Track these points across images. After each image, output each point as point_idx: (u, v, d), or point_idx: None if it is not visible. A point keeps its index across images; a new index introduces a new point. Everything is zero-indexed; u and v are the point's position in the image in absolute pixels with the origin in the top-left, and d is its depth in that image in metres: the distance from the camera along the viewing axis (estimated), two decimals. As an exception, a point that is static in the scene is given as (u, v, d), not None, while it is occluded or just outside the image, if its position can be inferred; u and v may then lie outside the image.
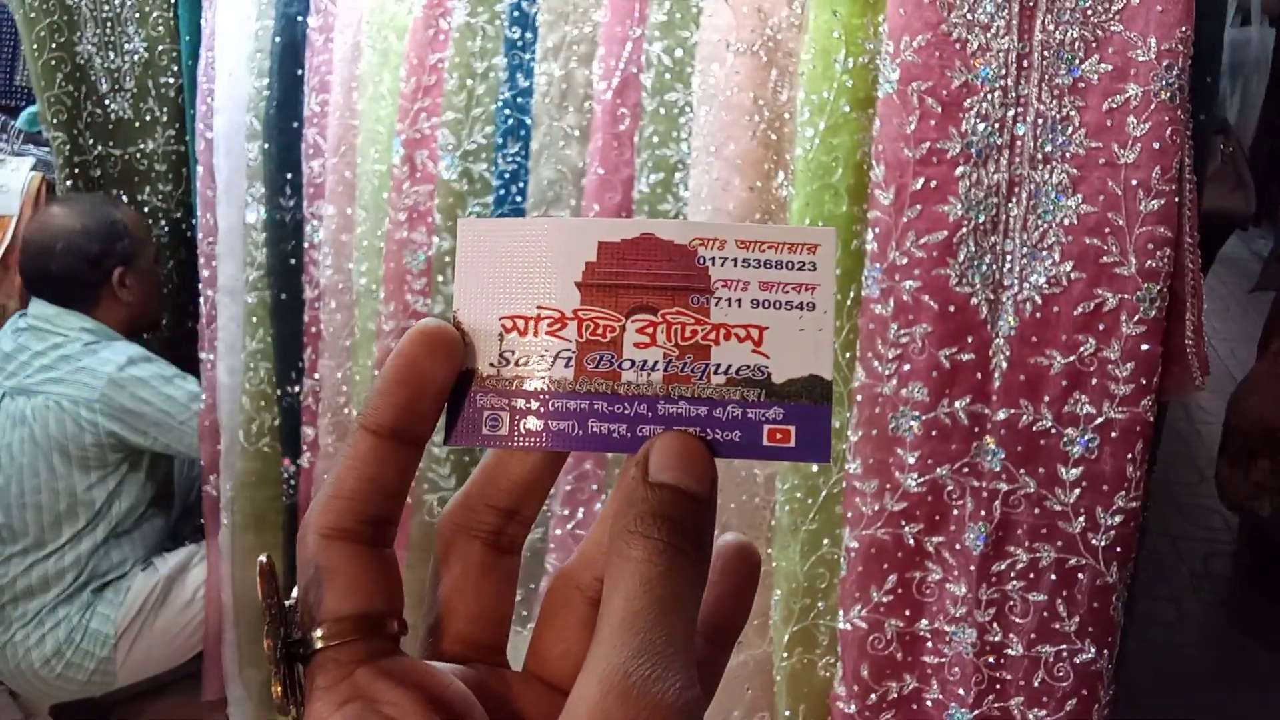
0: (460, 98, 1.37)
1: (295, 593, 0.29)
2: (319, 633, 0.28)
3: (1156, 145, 0.95)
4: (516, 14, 1.30)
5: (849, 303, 1.08)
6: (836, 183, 1.06)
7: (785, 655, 1.15)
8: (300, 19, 1.47)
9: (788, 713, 1.16)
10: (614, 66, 1.19)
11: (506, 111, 1.32)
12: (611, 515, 0.29)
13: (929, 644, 1.12)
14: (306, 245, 1.60)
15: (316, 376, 1.48)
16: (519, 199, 1.33)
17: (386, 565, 0.30)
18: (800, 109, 1.06)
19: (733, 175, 1.09)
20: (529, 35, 1.30)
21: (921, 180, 1.01)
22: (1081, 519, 1.04)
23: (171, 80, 1.83)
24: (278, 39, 1.53)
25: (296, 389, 1.56)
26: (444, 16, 1.40)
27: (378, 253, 1.46)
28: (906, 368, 1.05)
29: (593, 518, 1.27)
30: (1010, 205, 1.02)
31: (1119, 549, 1.04)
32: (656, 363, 0.32)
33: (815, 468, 1.12)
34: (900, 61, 1.00)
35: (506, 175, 1.34)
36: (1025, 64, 0.99)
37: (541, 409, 0.32)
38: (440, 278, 1.41)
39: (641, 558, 0.27)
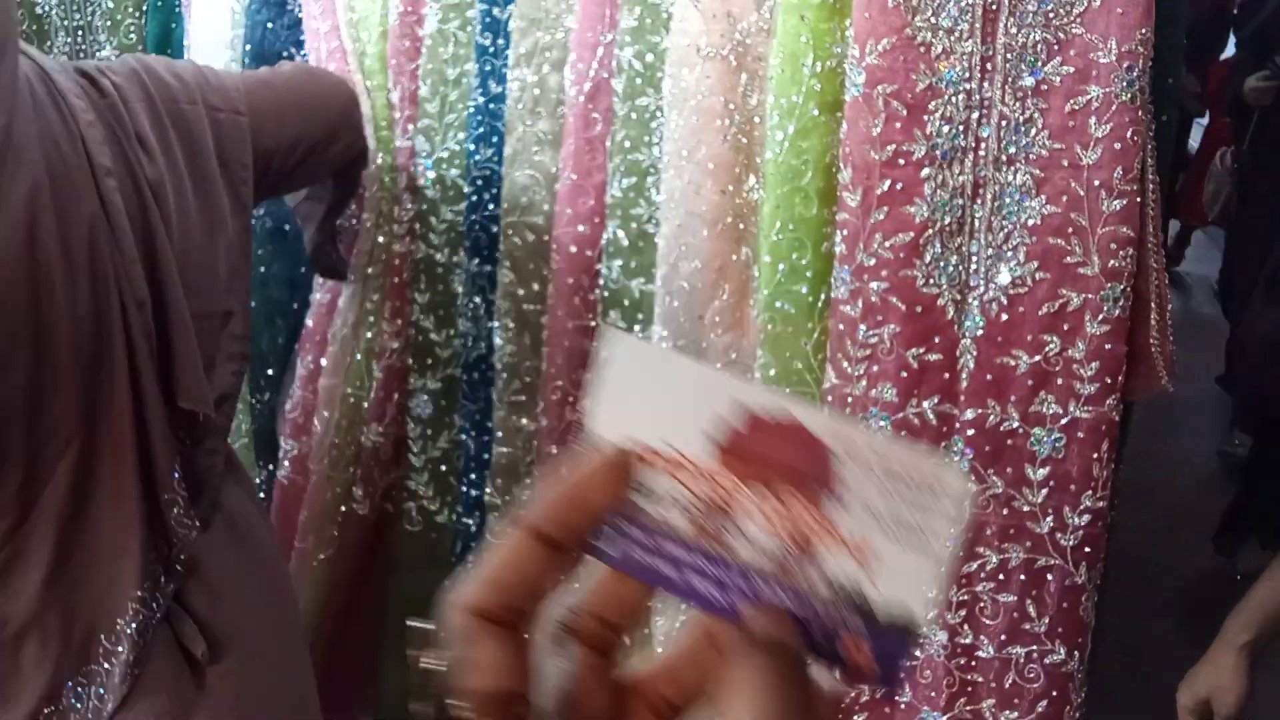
0: (434, 104, 1.38)
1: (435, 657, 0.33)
2: (465, 704, 0.32)
3: (1118, 146, 0.96)
4: (488, 20, 1.30)
5: (820, 305, 1.09)
6: (806, 186, 1.06)
7: (759, 657, 1.15)
8: (269, 25, 1.47)
9: (762, 714, 1.16)
10: (585, 72, 1.20)
11: (479, 118, 1.33)
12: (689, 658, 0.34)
13: (902, 644, 1.13)
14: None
15: (314, 390, 1.46)
16: (491, 205, 1.34)
17: (521, 649, 0.32)
18: (770, 113, 1.07)
19: (704, 179, 1.10)
20: (501, 41, 1.30)
21: (888, 182, 1.02)
22: (1050, 519, 1.05)
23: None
24: (248, 46, 1.52)
25: (266, 396, 1.55)
26: (418, 24, 1.40)
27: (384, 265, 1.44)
28: (875, 369, 1.06)
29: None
30: (975, 206, 1.03)
31: (1088, 549, 1.04)
32: (768, 546, 0.33)
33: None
34: (866, 65, 1.01)
35: (479, 182, 1.34)
36: (989, 67, 1.00)
37: (653, 547, 0.34)
38: (416, 287, 1.41)
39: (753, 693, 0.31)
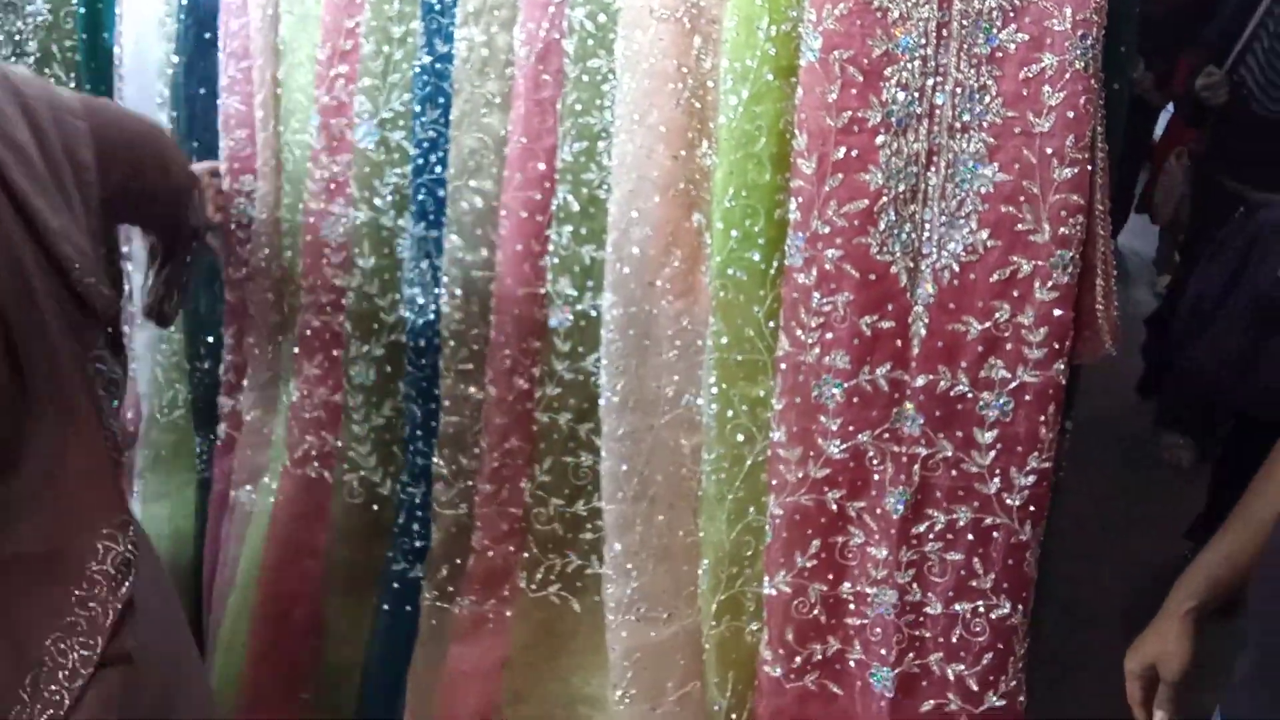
0: (377, 63, 1.33)
1: None
2: None
3: (1070, 114, 0.97)
4: (435, -23, 1.27)
5: (773, 272, 1.09)
6: (760, 151, 1.06)
7: (714, 623, 1.16)
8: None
9: (717, 680, 1.17)
10: (536, 32, 1.17)
11: (425, 78, 1.29)
12: None
13: (851, 606, 1.14)
14: (233, 226, 1.54)
15: (241, 351, 1.43)
16: (438, 168, 1.30)
17: None
18: (724, 77, 1.05)
19: (656, 143, 1.08)
20: (448, -1, 1.27)
21: (843, 149, 1.02)
22: (997, 480, 1.07)
23: (77, 44, 1.74)
24: (184, 1, 1.46)
25: (207, 364, 1.51)
26: (360, -21, 1.36)
27: (299, 226, 1.42)
28: (829, 336, 1.06)
29: (518, 492, 1.26)
30: (929, 174, 1.03)
31: (1032, 508, 1.07)
32: None
33: (740, 436, 1.13)
34: (822, 29, 1.00)
35: (425, 144, 1.31)
36: (944, 33, 1.00)
37: None
38: (357, 250, 1.38)
39: None
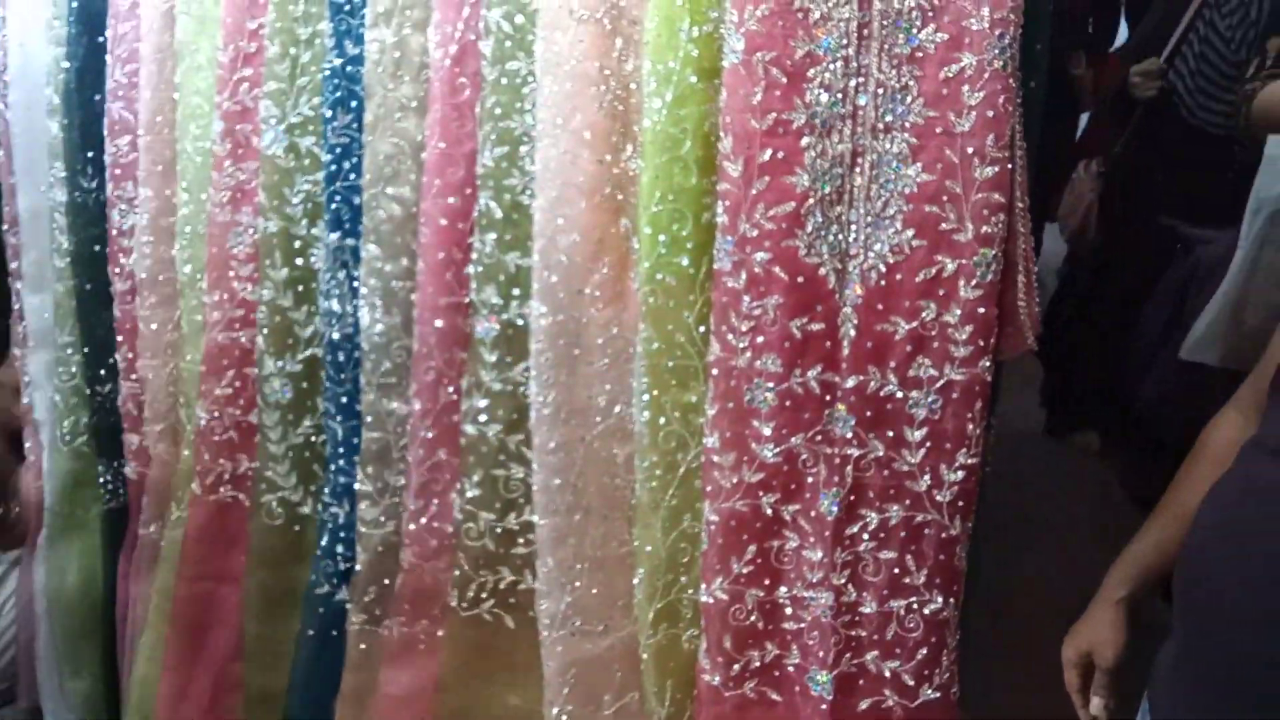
0: (283, 66, 1.28)
1: None
2: None
3: (990, 113, 0.98)
4: (343, -24, 1.22)
5: (702, 276, 1.07)
6: (685, 155, 1.04)
7: (651, 633, 1.14)
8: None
9: (655, 690, 1.16)
10: (451, 34, 1.14)
11: (335, 81, 1.24)
12: None
13: (788, 611, 1.14)
14: (114, 232, 1.47)
15: (135, 378, 1.36)
16: (352, 175, 1.26)
17: None
18: (646, 79, 1.04)
19: (581, 148, 1.06)
20: None
21: (769, 151, 1.01)
22: (927, 477, 1.07)
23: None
24: (74, 3, 1.39)
25: (108, 388, 1.43)
26: (262, -21, 1.30)
27: (201, 238, 1.35)
28: (760, 339, 1.06)
29: (447, 508, 1.22)
30: (854, 175, 1.03)
31: (961, 503, 1.08)
32: None
33: (674, 443, 1.11)
34: (745, 31, 0.99)
35: (338, 150, 1.26)
36: (865, 33, 1.00)
37: None
38: (268, 262, 1.32)
39: None
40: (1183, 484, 0.97)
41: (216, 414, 1.36)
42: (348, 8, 1.23)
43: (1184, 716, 0.85)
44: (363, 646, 1.27)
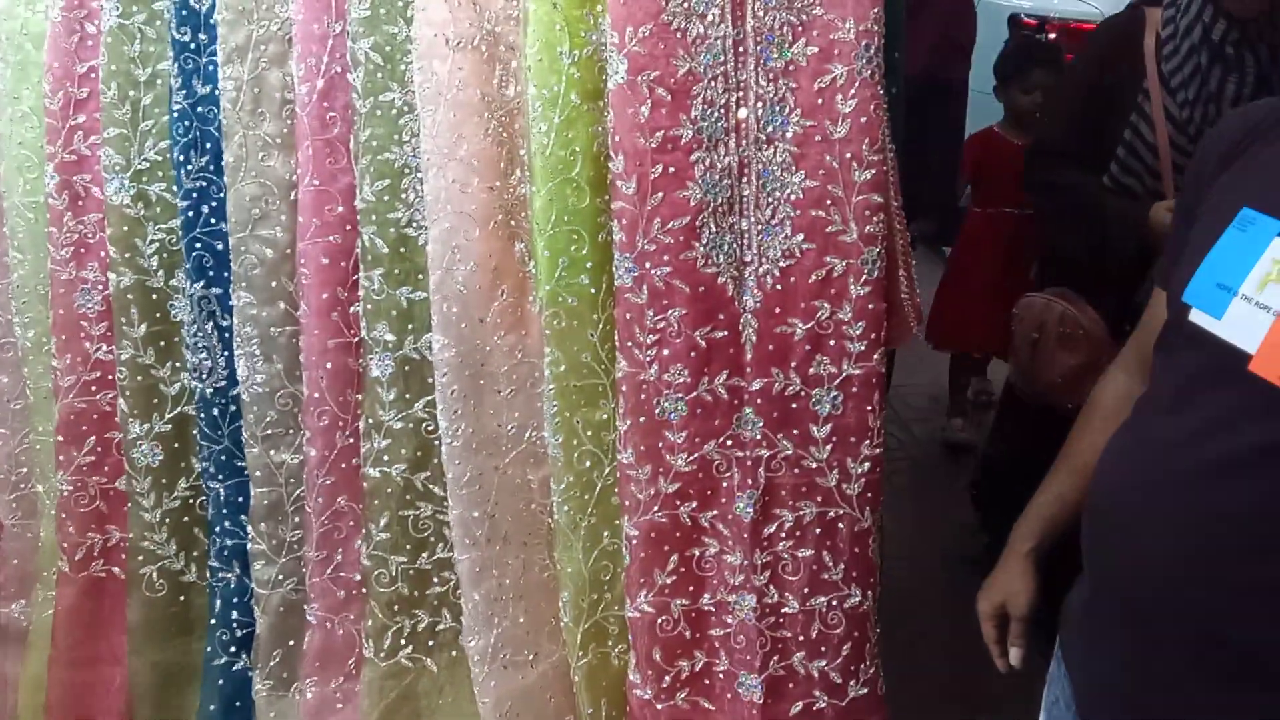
0: (123, 111, 1.20)
1: None
2: None
3: (863, 120, 1.03)
4: (185, 13, 1.15)
5: (603, 294, 1.08)
6: (577, 176, 1.05)
7: (580, 654, 1.14)
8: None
9: (590, 710, 1.15)
10: (316, 67, 1.10)
11: (185, 123, 1.18)
12: None
13: (713, 617, 1.16)
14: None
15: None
16: (214, 220, 1.19)
17: None
18: (531, 104, 1.04)
19: (470, 176, 1.05)
20: (203, 37, 1.16)
21: (660, 167, 1.03)
22: (835, 472, 1.12)
23: None
24: None
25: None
26: (89, 19, 1.22)
27: (43, 299, 1.25)
28: (666, 352, 1.07)
29: (353, 556, 1.18)
30: (743, 185, 1.06)
31: (869, 494, 1.13)
32: None
33: (588, 462, 1.11)
34: (627, 52, 1.01)
35: (194, 194, 1.19)
36: (741, 50, 1.03)
37: None
38: (124, 319, 1.23)
39: None
40: (1078, 439, 1.04)
41: (79, 484, 1.25)
42: (193, 46, 1.16)
43: (1097, 657, 0.92)
44: (273, 715, 1.20)
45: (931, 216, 3.20)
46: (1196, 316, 0.84)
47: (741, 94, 1.05)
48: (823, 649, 1.14)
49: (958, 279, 3.07)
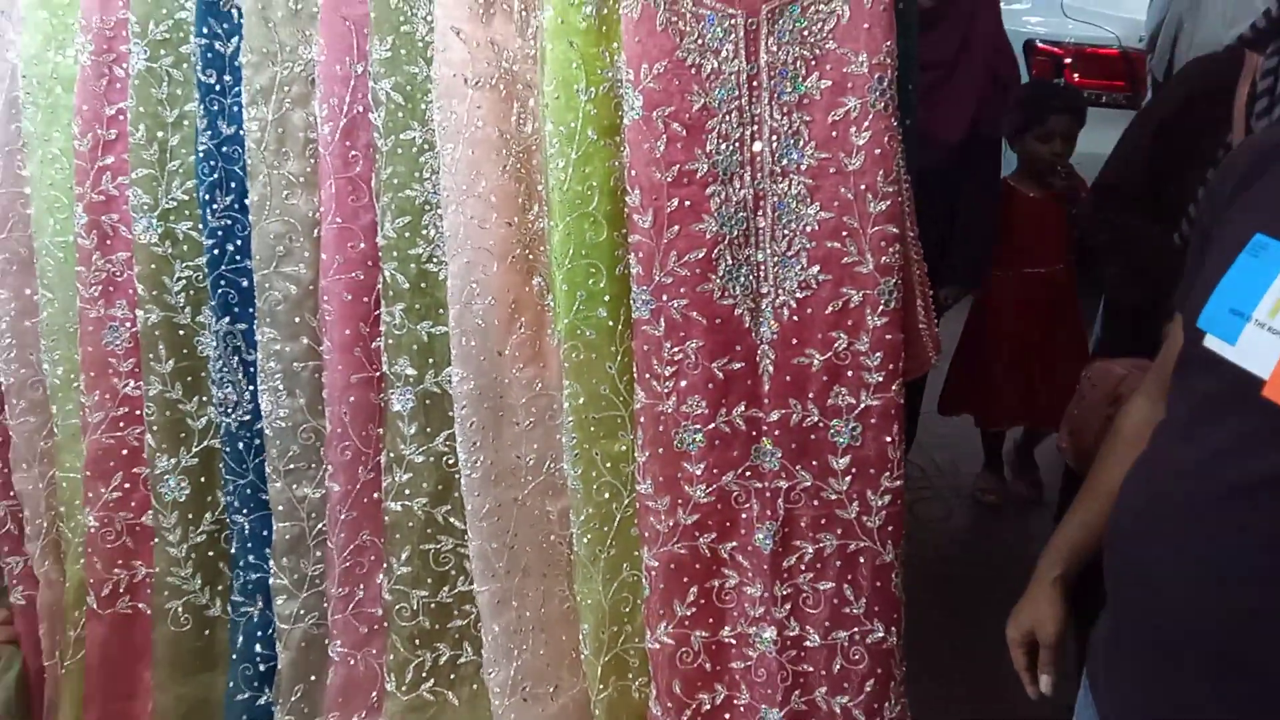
0: (151, 152, 1.23)
1: None
2: None
3: (878, 151, 1.04)
4: (210, 56, 1.18)
5: (620, 327, 1.09)
6: (594, 210, 1.06)
7: (601, 687, 1.14)
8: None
9: (611, 745, 1.14)
10: (339, 107, 1.12)
11: (211, 163, 1.20)
12: None
13: (734, 649, 1.15)
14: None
15: (13, 494, 1.26)
16: (239, 257, 1.22)
17: None
18: (549, 140, 1.05)
19: (489, 212, 1.06)
20: (228, 79, 1.19)
21: (676, 200, 1.04)
22: (855, 504, 1.11)
23: None
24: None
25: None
26: (117, 63, 1.25)
27: (71, 337, 1.27)
28: (683, 383, 1.08)
29: (375, 590, 1.18)
30: (758, 218, 1.07)
31: (890, 527, 1.12)
32: None
33: (607, 494, 1.12)
34: (643, 89, 1.02)
35: (219, 233, 1.22)
36: (755, 84, 1.05)
37: None
38: (151, 355, 1.25)
39: None
40: (1103, 466, 1.04)
41: (105, 520, 1.27)
42: (218, 88, 1.19)
43: (1120, 687, 0.91)
44: (295, 749, 1.20)
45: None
46: (1210, 342, 0.84)
47: (756, 128, 1.06)
48: (845, 684, 1.13)
49: (976, 347, 2.76)
